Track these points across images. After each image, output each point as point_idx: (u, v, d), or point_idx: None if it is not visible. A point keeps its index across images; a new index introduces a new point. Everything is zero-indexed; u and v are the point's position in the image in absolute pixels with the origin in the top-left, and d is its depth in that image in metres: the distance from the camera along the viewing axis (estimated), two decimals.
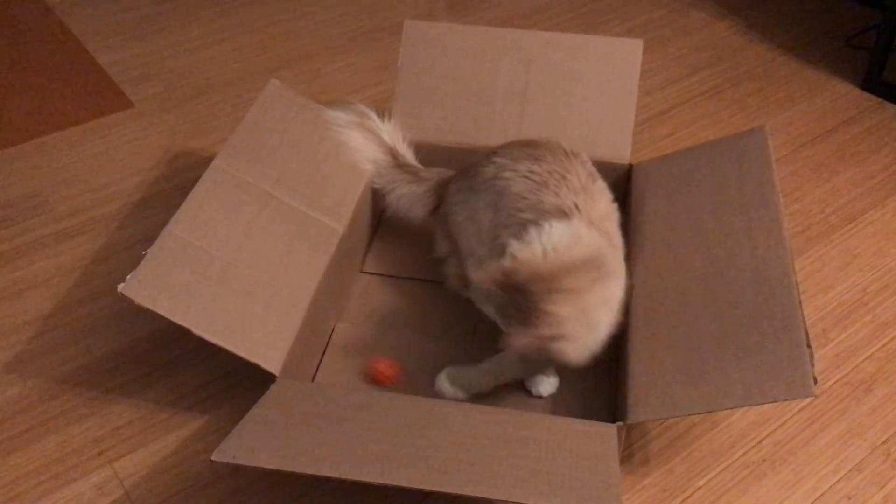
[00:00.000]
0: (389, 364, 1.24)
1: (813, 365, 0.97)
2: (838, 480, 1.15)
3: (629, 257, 1.29)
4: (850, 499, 1.13)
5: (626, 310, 1.17)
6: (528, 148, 1.25)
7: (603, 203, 1.21)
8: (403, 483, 0.92)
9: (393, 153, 1.44)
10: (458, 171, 1.35)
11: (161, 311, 1.08)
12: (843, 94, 1.92)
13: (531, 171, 1.20)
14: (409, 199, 1.42)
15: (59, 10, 2.26)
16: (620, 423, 1.05)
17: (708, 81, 1.97)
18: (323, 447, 0.98)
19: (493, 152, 1.29)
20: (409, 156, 1.46)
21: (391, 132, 1.46)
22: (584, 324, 1.07)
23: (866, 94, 1.91)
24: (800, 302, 1.05)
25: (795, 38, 2.13)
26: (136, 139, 1.81)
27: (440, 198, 1.38)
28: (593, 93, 1.49)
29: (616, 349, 1.27)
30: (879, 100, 1.89)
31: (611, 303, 1.12)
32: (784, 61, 2.04)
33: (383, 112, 1.48)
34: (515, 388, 1.23)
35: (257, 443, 0.99)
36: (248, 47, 2.11)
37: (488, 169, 1.26)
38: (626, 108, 1.47)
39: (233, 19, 2.23)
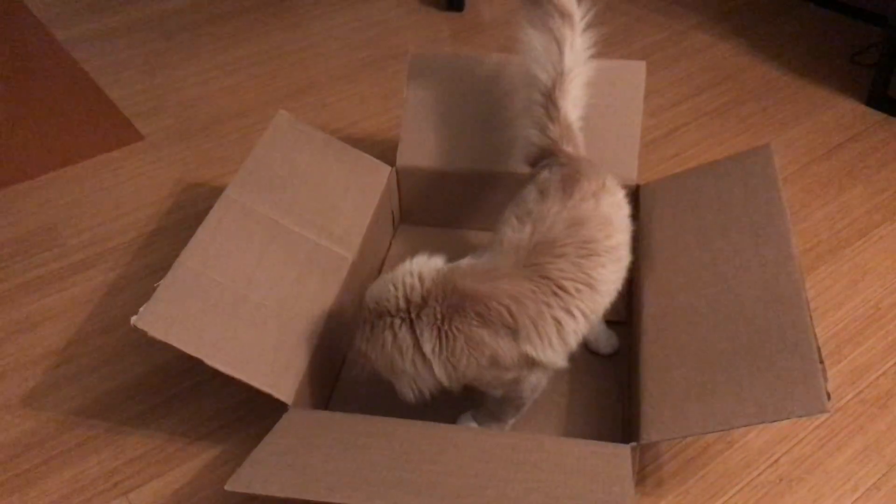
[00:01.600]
0: None
1: (826, 380, 0.96)
2: (857, 499, 1.14)
3: (638, 277, 1.30)
4: None
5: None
6: (558, 185, 1.17)
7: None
8: None
9: (557, 78, 1.27)
10: (551, 166, 1.24)
11: (174, 343, 1.08)
12: (849, 111, 1.92)
13: (528, 203, 1.18)
14: (525, 142, 1.31)
15: (69, 45, 2.29)
16: (634, 444, 1.04)
17: (712, 102, 1.98)
18: (336, 474, 0.98)
19: (552, 170, 1.22)
20: (571, 92, 1.28)
21: (578, 54, 1.28)
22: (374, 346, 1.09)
23: (871, 111, 1.92)
24: (811, 317, 1.05)
25: (799, 57, 2.14)
26: (147, 171, 1.83)
27: (538, 161, 1.29)
28: (598, 115, 1.49)
29: (628, 369, 1.27)
30: (885, 115, 1.90)
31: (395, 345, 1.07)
32: (788, 80, 2.05)
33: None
34: (527, 411, 1.23)
35: (271, 471, 1.00)
36: (257, 79, 2.14)
37: (531, 187, 1.21)
38: (631, 130, 1.48)
39: (241, 51, 2.26)
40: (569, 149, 1.27)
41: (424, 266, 1.10)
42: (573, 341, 1.10)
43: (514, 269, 1.08)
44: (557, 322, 1.07)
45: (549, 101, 1.27)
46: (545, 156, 1.27)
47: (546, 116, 1.27)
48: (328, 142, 1.49)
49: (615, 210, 1.17)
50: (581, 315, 1.09)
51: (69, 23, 2.41)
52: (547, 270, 1.07)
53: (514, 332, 1.05)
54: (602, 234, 1.12)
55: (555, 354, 1.09)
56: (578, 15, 1.28)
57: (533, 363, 1.08)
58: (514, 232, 1.13)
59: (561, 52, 1.26)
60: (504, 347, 1.05)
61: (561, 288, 1.07)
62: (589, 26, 1.29)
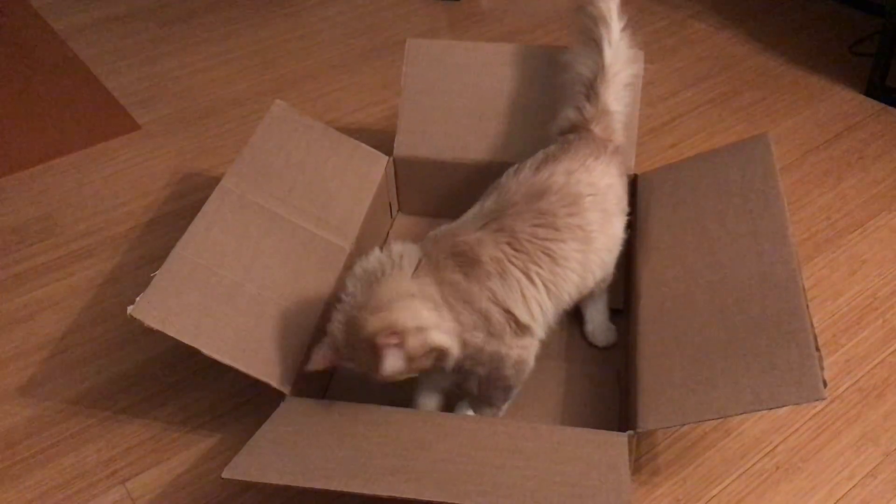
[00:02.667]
0: None
1: (822, 368, 0.96)
2: (853, 487, 1.14)
3: (636, 266, 1.30)
4: None
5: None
6: (534, 162, 1.21)
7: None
8: (413, 496, 0.93)
9: (599, 72, 1.30)
10: (566, 141, 1.27)
11: (170, 333, 1.08)
12: (847, 101, 1.92)
13: (502, 177, 1.22)
14: (561, 117, 1.34)
15: (65, 35, 2.29)
16: (631, 433, 1.04)
17: (711, 91, 1.97)
18: (333, 462, 0.99)
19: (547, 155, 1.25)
20: (613, 86, 1.31)
21: (619, 51, 1.31)
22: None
23: (870, 101, 1.92)
24: (807, 306, 1.05)
25: (797, 47, 2.13)
26: (143, 161, 1.82)
27: (566, 134, 1.31)
28: None
29: (625, 358, 1.27)
30: (883, 105, 1.89)
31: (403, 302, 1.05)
32: (787, 70, 2.04)
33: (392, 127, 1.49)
34: (523, 400, 1.23)
35: (268, 460, 1.00)
36: (253, 68, 2.14)
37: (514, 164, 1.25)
38: (629, 119, 1.47)
39: (238, 41, 2.25)
40: (597, 130, 1.29)
41: (409, 244, 1.13)
42: (538, 313, 1.11)
43: (473, 224, 1.13)
44: (517, 281, 1.09)
45: (591, 89, 1.31)
46: (573, 130, 1.30)
47: (585, 99, 1.32)
48: (325, 131, 1.48)
49: (589, 190, 1.17)
50: (542, 284, 1.11)
51: (66, 12, 2.40)
52: (502, 224, 1.11)
53: (480, 273, 1.07)
54: (564, 210, 1.13)
55: (526, 315, 1.10)
56: (615, 18, 1.32)
57: (513, 320, 1.09)
58: (481, 200, 1.18)
59: (600, 49, 1.31)
60: (476, 291, 1.07)
61: (516, 240, 1.10)
62: (626, 27, 1.34)
